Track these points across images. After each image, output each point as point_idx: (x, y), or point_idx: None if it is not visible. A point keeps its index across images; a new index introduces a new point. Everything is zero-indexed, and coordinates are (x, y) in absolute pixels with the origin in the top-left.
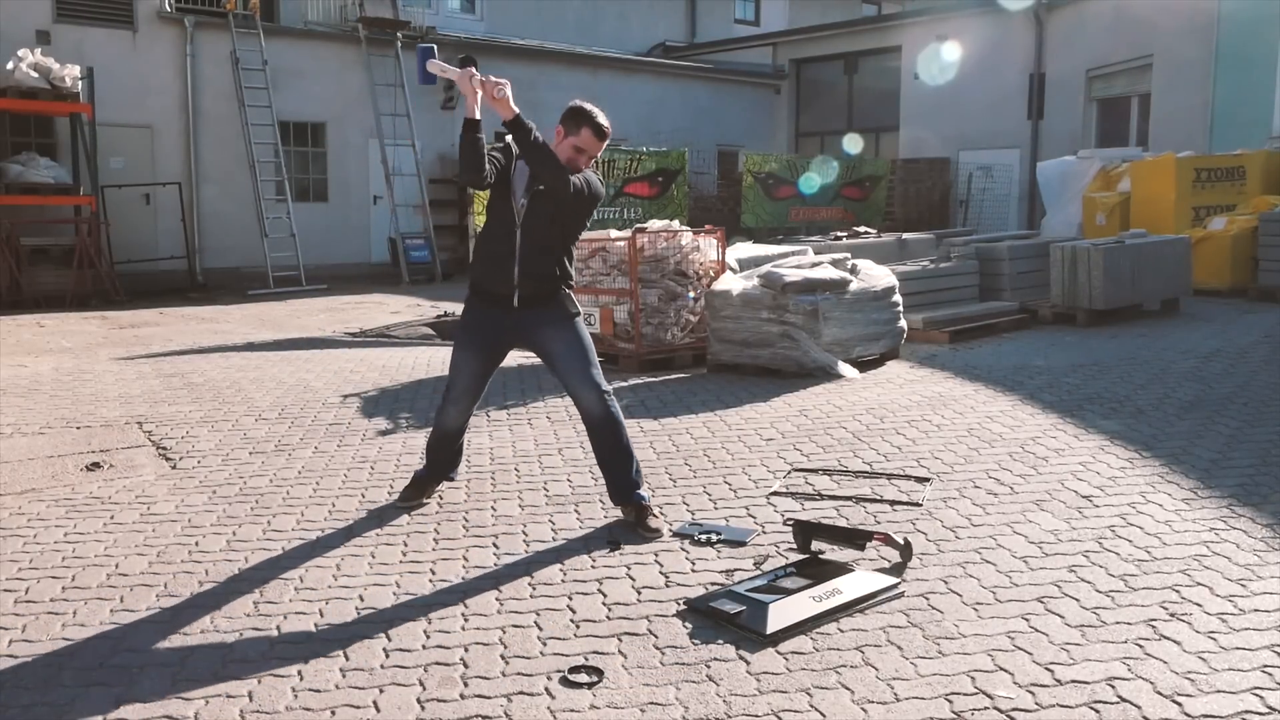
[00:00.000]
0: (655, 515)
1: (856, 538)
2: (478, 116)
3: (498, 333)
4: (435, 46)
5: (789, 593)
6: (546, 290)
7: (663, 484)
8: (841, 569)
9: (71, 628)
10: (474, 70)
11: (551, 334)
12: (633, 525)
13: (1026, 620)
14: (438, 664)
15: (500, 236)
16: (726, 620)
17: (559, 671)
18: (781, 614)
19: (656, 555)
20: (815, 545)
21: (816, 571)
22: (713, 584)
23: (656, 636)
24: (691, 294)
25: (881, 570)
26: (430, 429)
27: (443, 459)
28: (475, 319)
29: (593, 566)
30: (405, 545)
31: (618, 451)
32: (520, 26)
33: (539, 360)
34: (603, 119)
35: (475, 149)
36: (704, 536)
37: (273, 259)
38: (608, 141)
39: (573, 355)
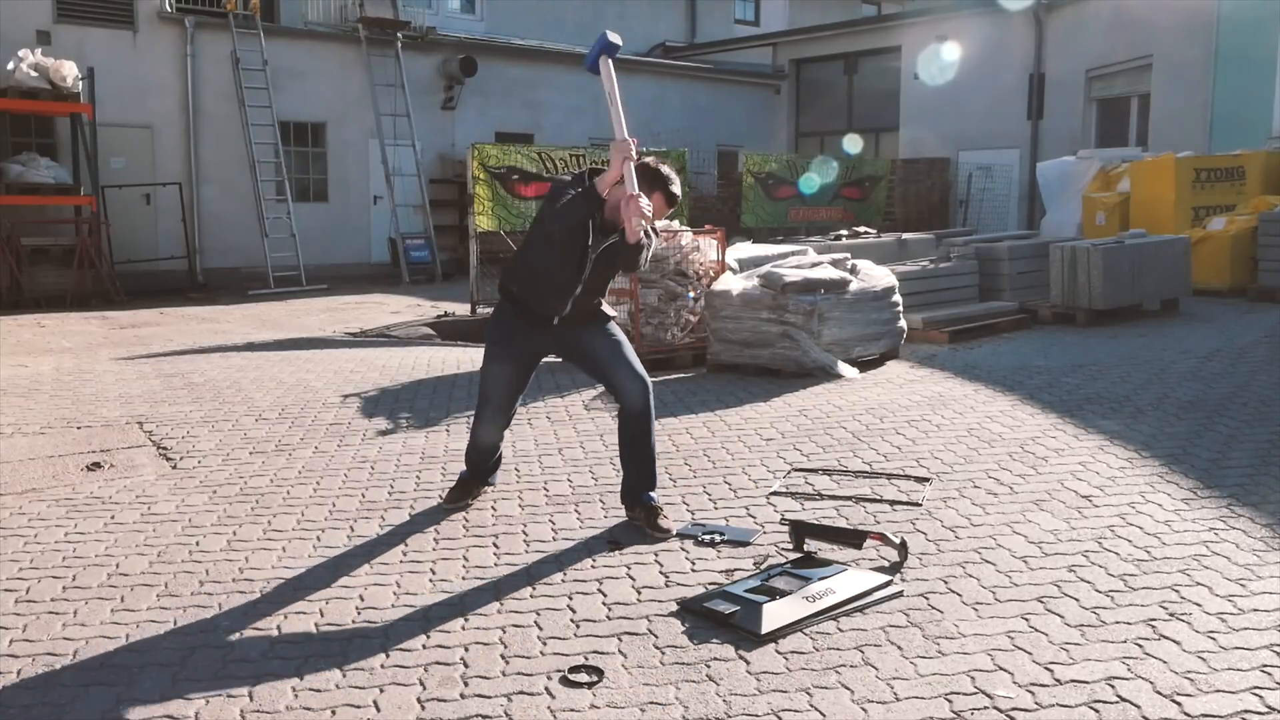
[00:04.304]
0: (665, 516)
1: (853, 537)
2: (604, 195)
3: (536, 344)
4: (614, 44)
5: (783, 593)
6: (591, 313)
7: (663, 484)
8: (835, 568)
9: (72, 627)
10: (632, 152)
11: (591, 335)
12: (639, 526)
13: (1026, 620)
14: (438, 664)
15: (564, 269)
16: (721, 621)
17: (559, 671)
18: (776, 614)
19: (656, 555)
20: (811, 545)
21: (810, 571)
22: (712, 584)
23: (656, 636)
24: (691, 294)
25: (877, 569)
26: (468, 442)
27: (485, 467)
28: (511, 332)
29: (593, 566)
30: (405, 545)
31: (645, 447)
32: (520, 26)
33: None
34: (676, 186)
35: (579, 212)
36: (707, 537)
37: (273, 259)
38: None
39: (616, 349)
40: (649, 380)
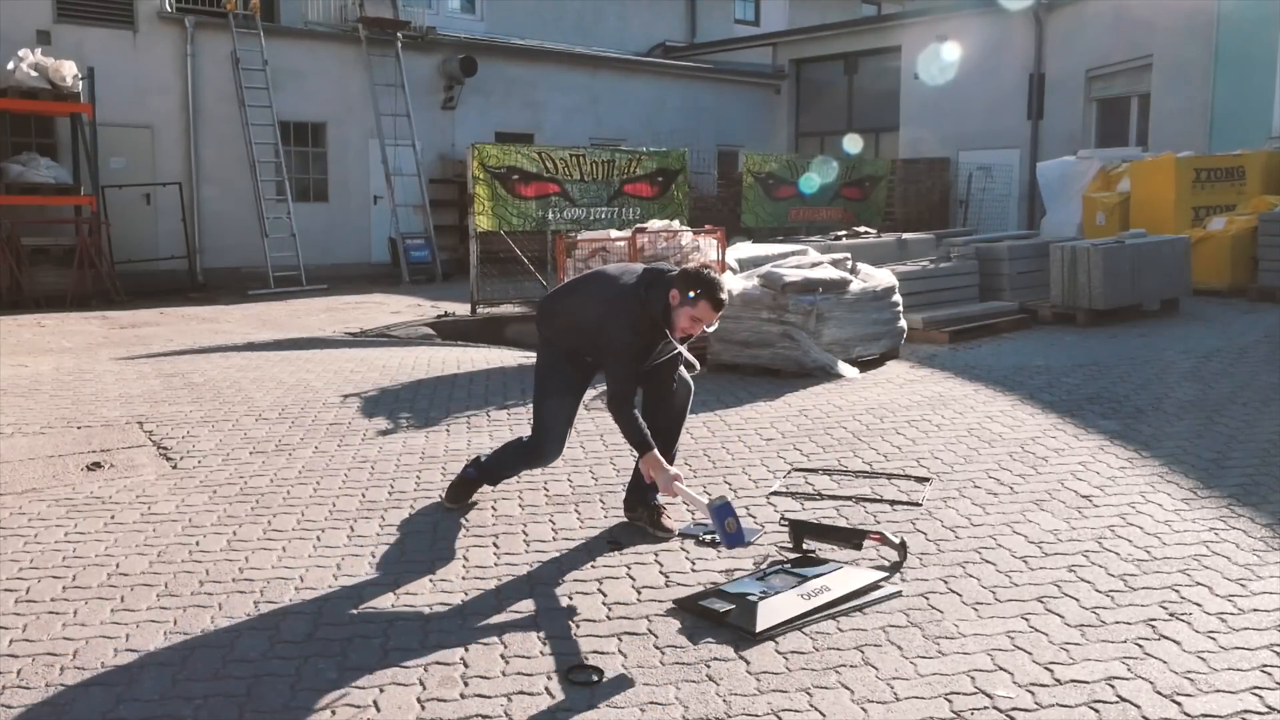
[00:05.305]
0: (668, 515)
1: (852, 537)
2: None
3: (590, 367)
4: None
5: (778, 591)
6: None
7: None
8: (830, 566)
9: (72, 627)
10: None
11: None
12: (640, 526)
13: (1026, 620)
14: (438, 664)
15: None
16: (717, 619)
17: (559, 671)
18: (770, 612)
19: (656, 555)
20: (809, 544)
21: (806, 569)
22: (711, 584)
23: (656, 636)
24: (691, 294)
25: (877, 569)
26: (504, 460)
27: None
28: (565, 362)
29: (593, 567)
30: (405, 545)
31: (672, 444)
32: (520, 26)
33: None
34: (724, 293)
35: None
36: (708, 537)
37: (273, 259)
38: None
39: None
40: (692, 383)
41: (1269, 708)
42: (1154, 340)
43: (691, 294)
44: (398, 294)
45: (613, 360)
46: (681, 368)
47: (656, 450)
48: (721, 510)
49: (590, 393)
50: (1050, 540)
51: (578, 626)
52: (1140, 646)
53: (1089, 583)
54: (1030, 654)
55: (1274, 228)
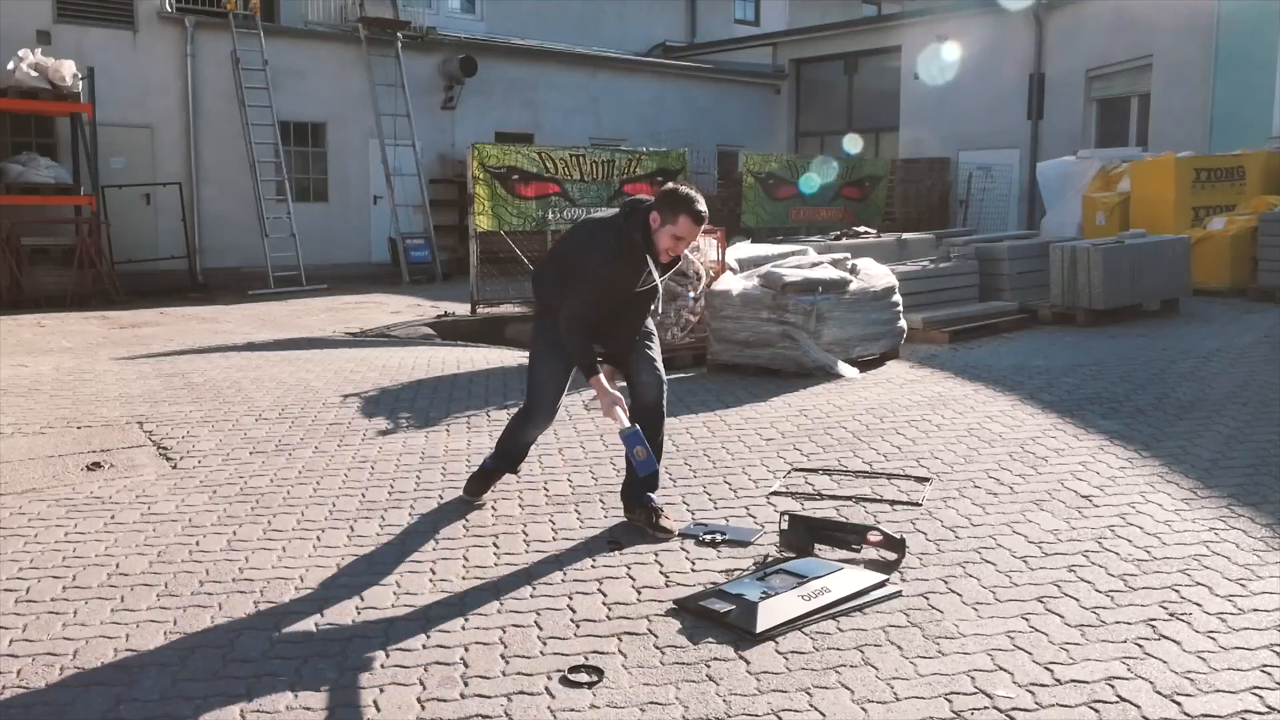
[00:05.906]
0: (666, 516)
1: (850, 535)
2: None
3: None
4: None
5: (778, 591)
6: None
7: (663, 484)
8: (832, 567)
9: (72, 627)
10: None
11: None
12: (639, 527)
13: (1026, 620)
14: (438, 664)
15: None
16: (717, 619)
17: (559, 671)
18: (771, 613)
19: (656, 555)
20: (809, 543)
21: (807, 570)
22: (711, 584)
23: (656, 636)
24: (691, 294)
25: (874, 568)
26: (507, 438)
27: (523, 459)
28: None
29: (593, 566)
30: (405, 545)
31: (654, 445)
32: (520, 26)
33: None
34: (701, 205)
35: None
36: (708, 537)
37: (273, 259)
38: (705, 224)
39: (640, 343)
40: (665, 380)
41: (1269, 708)
42: (1154, 340)
43: (670, 212)
44: (398, 294)
45: (578, 283)
46: (659, 364)
47: (603, 375)
48: (632, 438)
49: (590, 392)
50: (1050, 540)
51: (578, 626)
52: (1140, 646)
53: (1089, 583)
54: (1030, 654)
55: (1274, 228)
